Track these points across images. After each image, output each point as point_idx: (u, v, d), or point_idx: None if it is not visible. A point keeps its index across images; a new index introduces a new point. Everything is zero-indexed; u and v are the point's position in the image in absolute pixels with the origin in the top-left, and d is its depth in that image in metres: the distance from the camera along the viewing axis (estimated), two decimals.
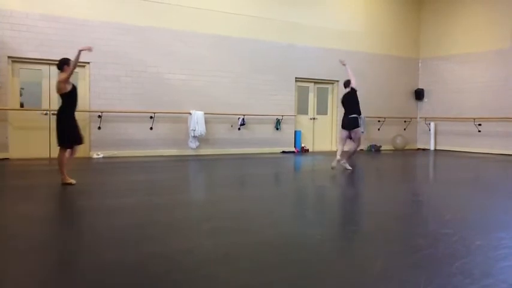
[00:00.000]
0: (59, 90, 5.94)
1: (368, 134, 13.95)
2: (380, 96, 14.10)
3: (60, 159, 5.97)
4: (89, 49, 5.98)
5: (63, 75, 5.91)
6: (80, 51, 5.85)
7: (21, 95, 9.67)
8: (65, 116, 5.94)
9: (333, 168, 7.92)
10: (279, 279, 2.64)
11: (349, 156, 8.20)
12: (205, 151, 11.17)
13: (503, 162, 10.64)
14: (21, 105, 9.67)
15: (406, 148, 14.41)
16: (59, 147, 5.98)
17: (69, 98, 5.97)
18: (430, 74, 14.80)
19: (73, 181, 5.96)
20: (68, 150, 6.03)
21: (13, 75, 9.40)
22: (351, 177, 7.78)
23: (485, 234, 3.70)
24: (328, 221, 4.39)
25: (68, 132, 5.96)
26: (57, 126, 5.95)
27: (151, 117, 10.50)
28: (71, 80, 6.02)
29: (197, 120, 10.71)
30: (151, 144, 10.60)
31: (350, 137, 8.06)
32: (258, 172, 8.25)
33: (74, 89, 6.01)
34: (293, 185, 6.64)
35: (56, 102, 9.77)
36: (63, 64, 5.99)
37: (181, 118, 10.92)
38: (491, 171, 9.25)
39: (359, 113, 7.96)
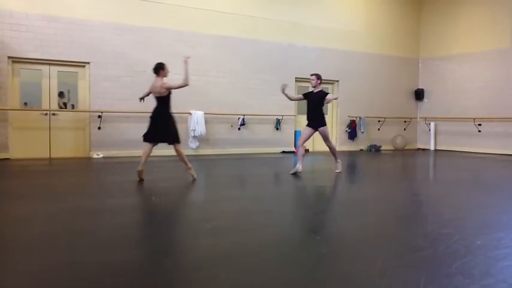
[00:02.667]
0: (159, 93, 6.31)
1: (368, 134, 13.96)
2: (380, 96, 14.11)
3: (182, 153, 6.44)
4: (187, 58, 6.48)
5: (171, 83, 6.39)
6: (186, 61, 6.33)
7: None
8: (167, 116, 6.37)
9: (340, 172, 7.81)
10: (278, 279, 2.64)
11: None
12: (205, 151, 11.17)
13: (503, 162, 10.64)
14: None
15: (406, 148, 14.41)
16: (176, 144, 6.38)
17: (167, 99, 6.37)
18: (430, 74, 14.81)
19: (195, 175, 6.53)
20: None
21: (13, 75, 9.40)
22: (351, 177, 7.78)
23: (485, 234, 3.70)
24: (328, 221, 4.39)
25: (176, 128, 6.40)
26: (166, 127, 6.31)
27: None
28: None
29: (197, 120, 10.72)
30: None
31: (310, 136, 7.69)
32: (258, 172, 8.24)
33: (170, 92, 6.41)
34: (293, 185, 6.64)
35: (55, 103, 9.83)
36: (159, 69, 6.41)
37: (181, 118, 10.88)
38: (491, 171, 9.25)
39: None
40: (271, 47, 12.12)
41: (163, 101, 6.36)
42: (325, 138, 7.64)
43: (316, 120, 7.57)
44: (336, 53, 13.17)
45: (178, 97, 10.96)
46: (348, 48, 13.42)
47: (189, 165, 6.54)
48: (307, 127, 7.65)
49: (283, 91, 7.63)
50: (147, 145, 6.47)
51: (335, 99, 7.73)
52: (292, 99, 8.11)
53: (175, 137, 6.38)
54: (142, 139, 6.51)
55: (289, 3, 12.38)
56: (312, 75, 7.67)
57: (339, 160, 7.89)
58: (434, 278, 2.65)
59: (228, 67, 11.51)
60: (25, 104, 9.76)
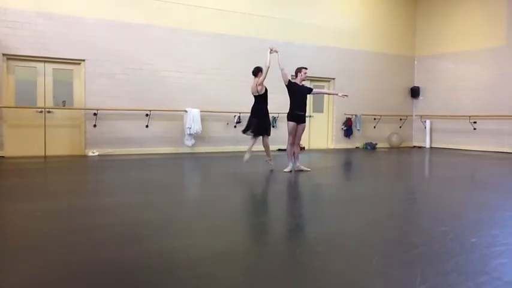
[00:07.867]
0: (256, 91, 7.29)
1: (364, 132, 13.98)
2: (376, 94, 14.12)
3: (268, 144, 7.58)
4: (274, 51, 7.20)
5: (259, 79, 7.26)
6: (270, 52, 7.14)
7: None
8: (266, 112, 7.39)
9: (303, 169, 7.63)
10: (275, 277, 2.65)
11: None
12: (201, 149, 11.15)
13: (497, 160, 10.70)
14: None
15: (401, 146, 14.46)
16: (265, 136, 7.50)
17: (265, 97, 7.36)
18: (425, 72, 14.84)
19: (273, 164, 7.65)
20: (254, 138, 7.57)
21: (8, 72, 9.33)
22: (346, 175, 7.80)
23: (480, 232, 3.73)
24: (323, 219, 4.39)
25: (270, 123, 7.59)
26: (263, 121, 7.37)
27: (147, 114, 10.47)
28: None
29: (193, 118, 10.69)
30: (147, 142, 10.58)
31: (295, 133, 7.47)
32: (253, 170, 8.24)
33: (266, 90, 7.40)
34: (288, 183, 6.65)
35: (50, 100, 9.77)
36: (257, 71, 7.38)
37: (177, 116, 10.89)
38: (486, 169, 9.30)
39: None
40: (267, 45, 12.05)
41: (262, 98, 7.33)
42: (300, 136, 7.50)
43: (303, 115, 7.42)
44: (332, 51, 13.17)
45: (174, 95, 11.01)
46: (344, 46, 13.42)
47: (270, 157, 7.64)
48: (292, 122, 7.28)
49: (272, 51, 7.35)
50: (252, 138, 7.62)
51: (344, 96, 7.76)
52: (283, 73, 7.27)
53: (268, 130, 7.51)
54: (247, 134, 7.62)
55: (286, 1, 12.35)
56: (306, 68, 7.51)
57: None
58: (430, 275, 2.66)
59: (224, 65, 11.48)
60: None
